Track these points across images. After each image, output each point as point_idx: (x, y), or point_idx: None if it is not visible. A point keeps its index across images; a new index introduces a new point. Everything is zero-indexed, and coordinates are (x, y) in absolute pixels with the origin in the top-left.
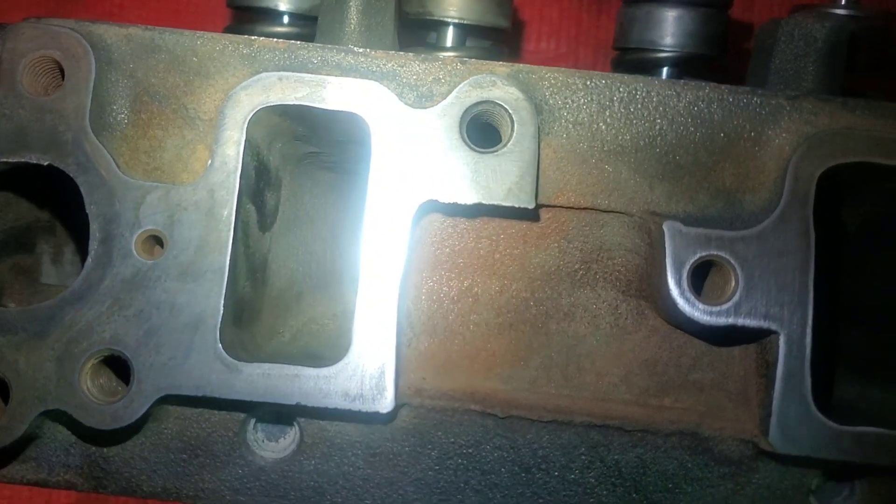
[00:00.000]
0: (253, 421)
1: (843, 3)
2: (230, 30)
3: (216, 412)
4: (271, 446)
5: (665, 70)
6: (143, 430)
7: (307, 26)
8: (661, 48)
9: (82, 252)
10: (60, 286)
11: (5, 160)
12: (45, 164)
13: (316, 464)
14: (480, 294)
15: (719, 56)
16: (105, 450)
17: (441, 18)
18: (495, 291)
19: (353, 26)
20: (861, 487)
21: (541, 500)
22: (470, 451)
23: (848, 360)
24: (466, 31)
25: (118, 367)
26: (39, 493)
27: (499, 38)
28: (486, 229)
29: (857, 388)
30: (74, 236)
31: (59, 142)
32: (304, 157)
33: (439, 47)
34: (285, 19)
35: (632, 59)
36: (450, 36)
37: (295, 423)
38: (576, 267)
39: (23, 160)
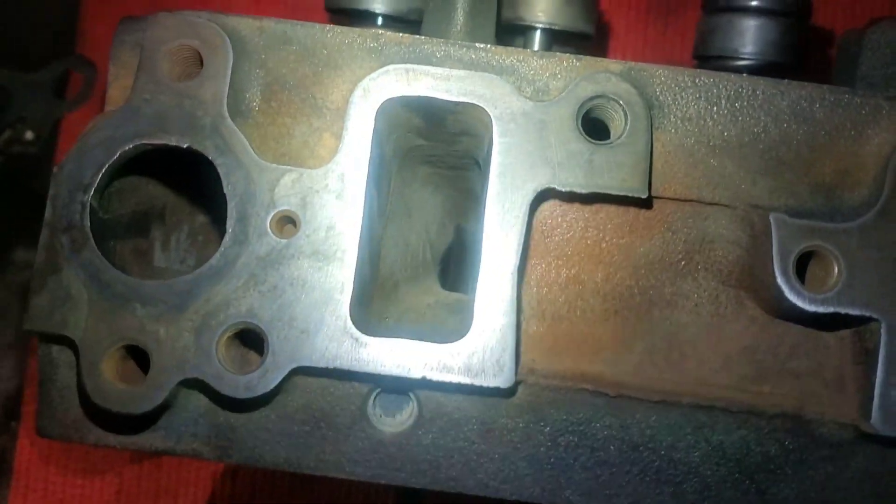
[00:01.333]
0: (374, 395)
1: None
2: None
3: (340, 385)
4: (389, 421)
5: None
6: (270, 403)
7: (403, 29)
8: (742, 56)
9: (192, 238)
10: (172, 269)
11: (147, 142)
12: (185, 146)
13: (433, 437)
14: (587, 281)
15: (798, 64)
16: (232, 420)
17: (531, 23)
18: (601, 279)
19: (459, 27)
20: None
21: (647, 478)
22: (581, 428)
23: None
24: (553, 37)
25: (250, 341)
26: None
27: (582, 46)
28: (594, 219)
29: None
30: (185, 224)
31: (197, 126)
32: (410, 150)
33: None
34: (380, 21)
35: (712, 66)
36: (537, 41)
37: (413, 399)
38: (678, 257)
39: (162, 143)
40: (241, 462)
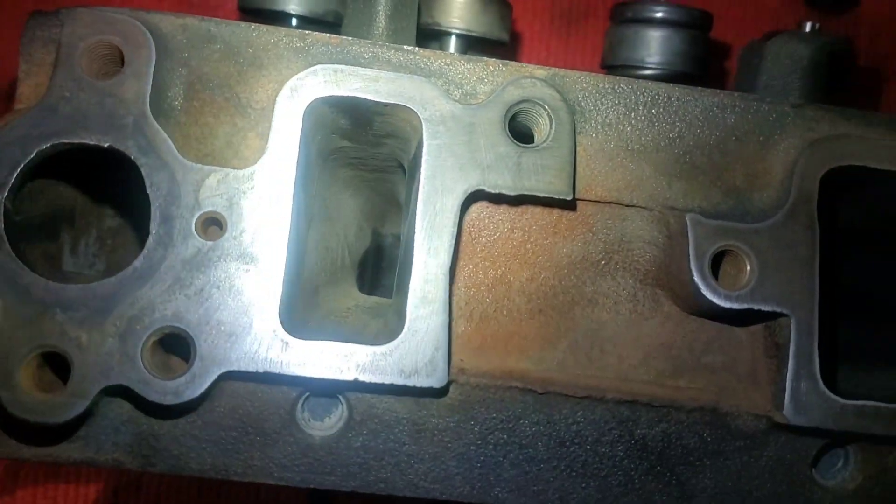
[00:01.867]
0: (303, 399)
1: (807, 29)
2: None
3: (268, 390)
4: (318, 425)
5: None
6: (196, 409)
7: (319, 31)
8: (648, 66)
9: (101, 242)
10: (82, 274)
11: (65, 141)
12: (106, 145)
13: (363, 440)
14: (513, 281)
15: (703, 74)
16: (156, 427)
17: (448, 29)
18: (526, 279)
19: (380, 30)
20: (853, 457)
21: (574, 473)
22: (510, 425)
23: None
24: (468, 44)
25: (173, 346)
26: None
27: (496, 53)
28: (520, 221)
29: (844, 373)
30: (93, 227)
31: (119, 125)
32: (333, 152)
33: None
34: (294, 22)
35: (620, 75)
36: (453, 46)
37: (343, 402)
38: (599, 257)
39: (82, 142)
40: (165, 471)
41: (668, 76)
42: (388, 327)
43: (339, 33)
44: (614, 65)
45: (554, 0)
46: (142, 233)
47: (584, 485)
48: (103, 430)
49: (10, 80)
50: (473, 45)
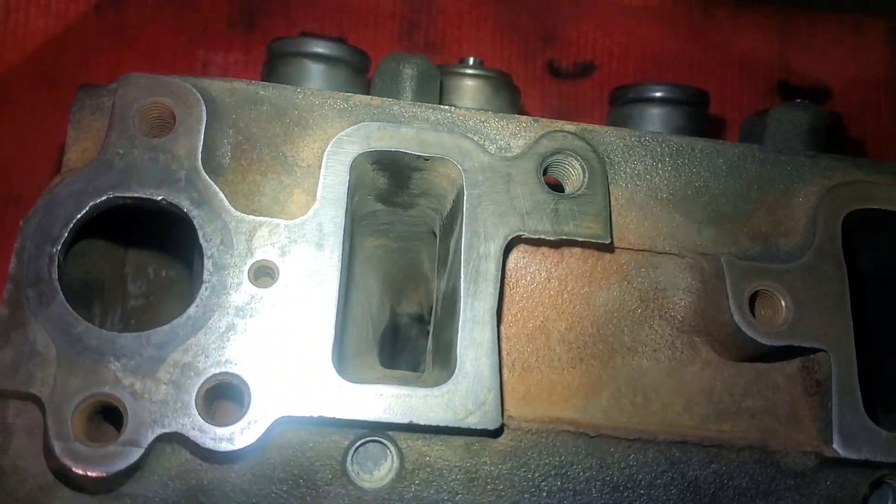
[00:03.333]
0: (354, 449)
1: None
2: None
3: (319, 439)
4: (369, 476)
5: None
6: (245, 461)
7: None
8: None
9: (125, 321)
10: None
11: (121, 195)
12: (160, 199)
13: (416, 490)
14: (552, 331)
15: None
16: (205, 482)
17: None
18: (565, 328)
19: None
20: None
21: None
22: (563, 471)
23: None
24: None
25: (223, 395)
26: None
27: None
28: (556, 271)
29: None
30: (119, 304)
31: (172, 180)
32: (363, 218)
33: None
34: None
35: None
36: None
37: (392, 451)
38: (635, 305)
39: (136, 195)
40: None
41: None
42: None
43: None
44: None
45: (543, 102)
46: (174, 301)
47: None
48: (151, 485)
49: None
50: None
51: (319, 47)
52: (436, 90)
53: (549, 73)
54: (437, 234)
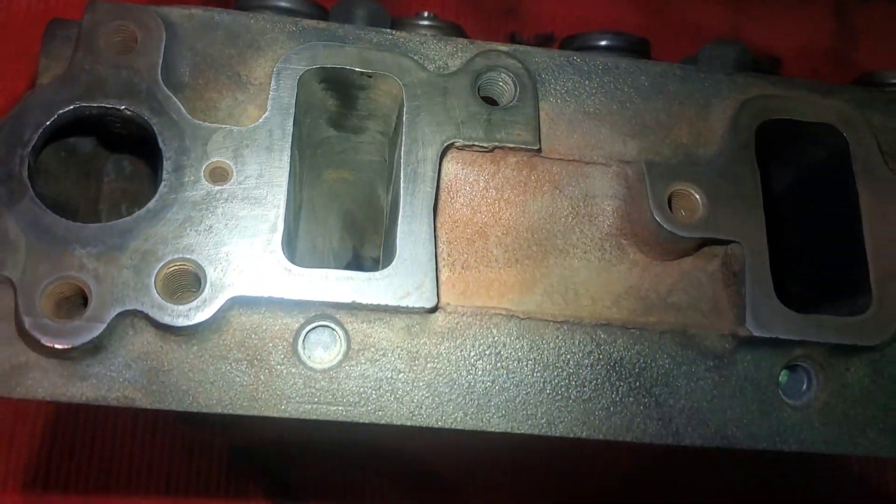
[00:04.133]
0: (304, 333)
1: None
2: None
3: (271, 322)
4: (319, 358)
5: None
6: (202, 342)
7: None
8: None
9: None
10: None
11: (86, 104)
12: (122, 107)
13: (362, 369)
14: (490, 235)
15: None
16: (165, 363)
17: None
18: (502, 233)
19: None
20: (815, 378)
21: (559, 396)
22: (497, 350)
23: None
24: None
25: (185, 287)
26: None
27: None
28: (493, 181)
29: None
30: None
31: (134, 91)
32: (319, 145)
33: None
34: None
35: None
36: None
37: (340, 335)
38: (566, 212)
39: (101, 104)
40: (174, 407)
41: None
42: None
43: None
44: None
45: None
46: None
47: (569, 408)
48: (115, 366)
49: None
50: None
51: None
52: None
53: (507, 40)
54: (388, 150)
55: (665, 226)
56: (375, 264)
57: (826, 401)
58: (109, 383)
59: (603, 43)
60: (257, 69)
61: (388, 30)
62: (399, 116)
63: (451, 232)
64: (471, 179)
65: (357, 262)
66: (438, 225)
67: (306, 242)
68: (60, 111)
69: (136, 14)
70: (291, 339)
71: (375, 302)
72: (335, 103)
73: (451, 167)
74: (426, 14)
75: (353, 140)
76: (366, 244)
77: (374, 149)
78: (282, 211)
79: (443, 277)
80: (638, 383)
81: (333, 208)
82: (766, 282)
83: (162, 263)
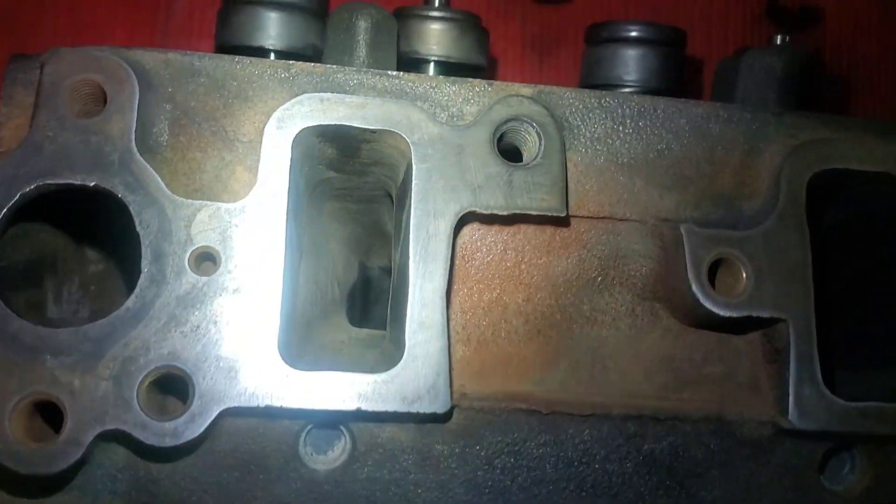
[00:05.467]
0: (305, 433)
1: (778, 42)
2: None
3: (269, 425)
4: (322, 458)
5: None
6: (196, 450)
7: None
8: (626, 83)
9: (84, 290)
10: (67, 322)
11: (52, 182)
12: (92, 185)
13: (368, 471)
14: (509, 303)
15: (678, 89)
16: (154, 472)
17: (426, 56)
18: (522, 300)
19: (361, 59)
20: (859, 461)
21: (584, 493)
22: (516, 448)
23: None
24: (447, 70)
25: (170, 387)
26: None
27: (474, 76)
28: (513, 241)
29: (839, 375)
30: (76, 274)
31: (105, 163)
32: (319, 184)
33: None
34: (272, 57)
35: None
36: (431, 73)
37: (345, 434)
38: (594, 274)
39: (67, 181)
40: None
41: (645, 93)
42: (385, 356)
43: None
44: (593, 84)
45: (525, 28)
46: (129, 276)
47: None
48: (99, 478)
49: None
50: (452, 71)
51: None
52: (392, 42)
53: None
54: (393, 200)
55: (704, 303)
56: (384, 273)
57: (869, 485)
58: (94, 496)
59: (633, 34)
60: (246, 123)
61: (394, 73)
62: (408, 174)
63: (465, 300)
64: (487, 241)
65: (366, 279)
66: (451, 293)
67: (308, 282)
68: (22, 191)
69: (104, 65)
70: (291, 442)
71: (382, 409)
72: (335, 153)
73: (465, 230)
74: (436, 2)
75: (356, 180)
76: (372, 256)
77: (379, 186)
78: (277, 303)
79: (457, 355)
80: (669, 476)
81: (336, 235)
82: (811, 365)
83: (145, 373)
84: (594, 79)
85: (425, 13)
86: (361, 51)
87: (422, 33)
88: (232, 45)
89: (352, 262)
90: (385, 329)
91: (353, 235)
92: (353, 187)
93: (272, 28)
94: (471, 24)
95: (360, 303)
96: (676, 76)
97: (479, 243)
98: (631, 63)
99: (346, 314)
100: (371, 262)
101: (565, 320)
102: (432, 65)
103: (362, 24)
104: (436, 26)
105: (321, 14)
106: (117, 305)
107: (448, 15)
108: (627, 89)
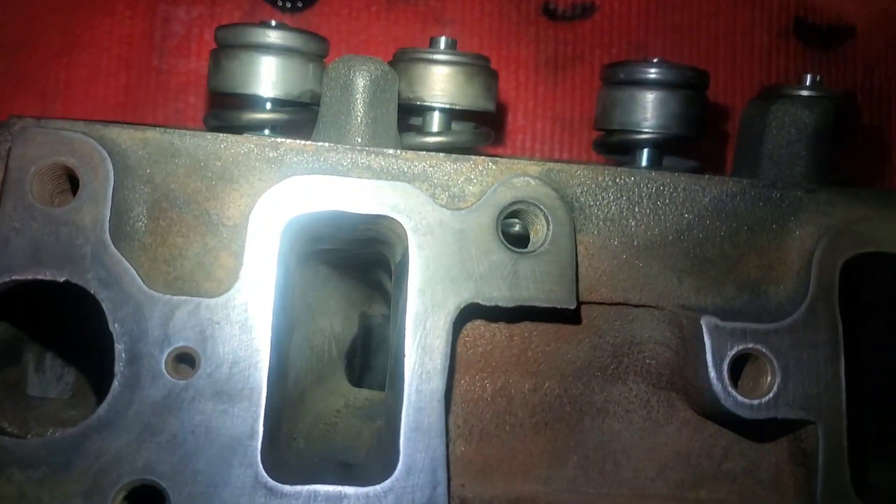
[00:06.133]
0: None
1: (808, 83)
2: (211, 116)
3: None
4: None
5: (646, 151)
6: None
7: (292, 112)
8: (644, 130)
9: (64, 358)
10: (49, 399)
11: (20, 278)
12: (62, 280)
13: None
14: (514, 394)
15: (699, 136)
16: None
17: (430, 104)
18: (529, 390)
19: (359, 119)
20: None
21: None
22: None
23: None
24: (453, 115)
25: (147, 499)
26: None
27: (483, 121)
28: (519, 327)
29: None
30: (56, 344)
31: (76, 256)
32: (312, 255)
33: (425, 131)
34: (268, 105)
35: (614, 140)
36: (436, 121)
37: None
38: (607, 362)
39: (36, 278)
40: None
41: (665, 139)
42: (381, 440)
43: (317, 115)
44: (609, 128)
45: (538, 46)
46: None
47: None
48: None
49: None
50: (458, 116)
51: (269, 37)
52: (393, 98)
53: (544, 16)
54: (392, 274)
55: (725, 403)
56: (385, 321)
57: None
58: None
59: (652, 77)
60: (231, 206)
61: (392, 151)
62: (404, 258)
63: (467, 391)
64: (492, 327)
65: (367, 328)
66: (454, 383)
67: (302, 350)
68: None
69: (77, 147)
70: None
71: None
72: (330, 232)
73: (466, 317)
74: (442, 43)
75: (353, 252)
76: (373, 304)
77: (378, 258)
78: (261, 409)
79: (457, 452)
80: None
81: (333, 294)
82: (842, 475)
83: (117, 487)
84: (609, 122)
85: (430, 56)
86: (359, 109)
87: (425, 79)
88: (224, 91)
89: (351, 317)
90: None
91: (353, 289)
92: (349, 257)
93: (267, 74)
94: (479, 67)
95: (361, 355)
96: (699, 122)
97: (481, 329)
98: (649, 108)
99: (344, 372)
100: (372, 310)
101: (575, 412)
102: (437, 112)
103: (360, 82)
104: (441, 71)
105: (320, 56)
106: (88, 413)
107: (454, 59)
108: (644, 136)
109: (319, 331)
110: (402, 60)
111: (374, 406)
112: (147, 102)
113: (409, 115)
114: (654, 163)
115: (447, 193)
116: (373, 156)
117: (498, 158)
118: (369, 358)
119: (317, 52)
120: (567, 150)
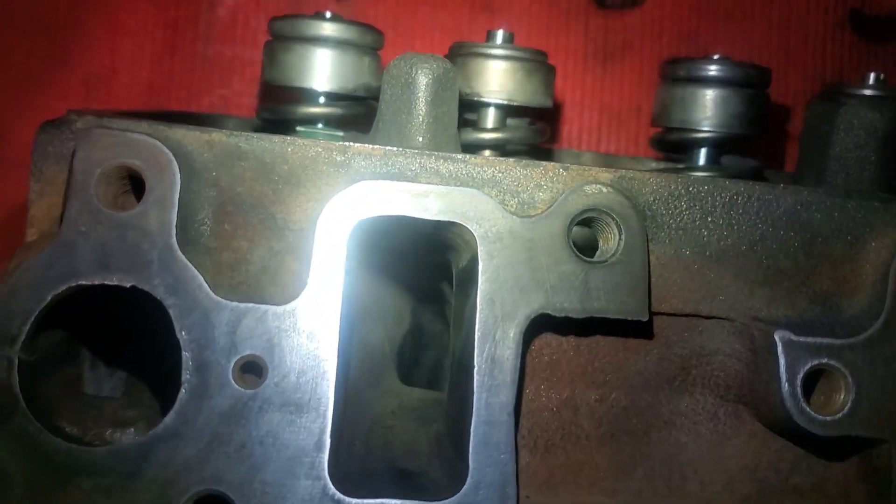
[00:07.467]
0: None
1: (871, 82)
2: (263, 110)
3: None
4: None
5: (704, 150)
6: None
7: (346, 106)
8: (703, 129)
9: (114, 354)
10: (106, 398)
11: (86, 283)
12: (129, 286)
13: None
14: (580, 405)
15: (760, 136)
16: None
17: (487, 100)
18: (594, 401)
19: (421, 118)
20: None
21: None
22: None
23: None
24: (508, 111)
25: None
26: None
27: (538, 116)
28: (586, 339)
29: None
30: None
31: (143, 261)
32: (372, 255)
33: (480, 127)
34: (322, 99)
35: (672, 139)
36: (491, 117)
37: None
38: (675, 373)
39: (104, 283)
40: None
41: (725, 139)
42: (442, 448)
43: (372, 108)
44: (667, 126)
45: (587, 36)
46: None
47: None
48: None
49: None
50: (513, 112)
51: (324, 30)
52: (454, 96)
53: (593, 4)
54: (454, 282)
55: (798, 420)
56: (435, 317)
57: None
58: None
59: (712, 74)
60: (297, 210)
61: (461, 156)
62: (473, 265)
63: (532, 401)
64: (558, 337)
65: (417, 325)
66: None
67: (359, 351)
68: (54, 292)
69: (142, 149)
70: None
71: None
72: (396, 237)
73: (536, 329)
74: (499, 37)
75: (417, 257)
76: (425, 301)
77: (440, 262)
78: (328, 421)
79: (522, 462)
80: None
81: (385, 292)
82: None
83: (185, 497)
84: (668, 121)
85: (487, 51)
86: (421, 108)
87: (483, 74)
88: (279, 84)
89: (403, 313)
90: (436, 387)
91: (403, 284)
92: (410, 259)
93: (322, 68)
94: (538, 63)
95: (410, 351)
96: (760, 120)
97: (548, 337)
98: (709, 106)
99: (396, 370)
100: (423, 306)
101: (642, 424)
102: (492, 108)
103: (423, 81)
104: (499, 66)
105: (375, 48)
106: (145, 413)
107: (513, 54)
108: (703, 134)
109: (373, 330)
110: (459, 55)
111: (428, 407)
112: (192, 88)
113: (465, 111)
114: (713, 161)
115: (517, 199)
116: (441, 160)
117: (569, 166)
118: (418, 354)
119: (372, 44)
120: (615, 141)
